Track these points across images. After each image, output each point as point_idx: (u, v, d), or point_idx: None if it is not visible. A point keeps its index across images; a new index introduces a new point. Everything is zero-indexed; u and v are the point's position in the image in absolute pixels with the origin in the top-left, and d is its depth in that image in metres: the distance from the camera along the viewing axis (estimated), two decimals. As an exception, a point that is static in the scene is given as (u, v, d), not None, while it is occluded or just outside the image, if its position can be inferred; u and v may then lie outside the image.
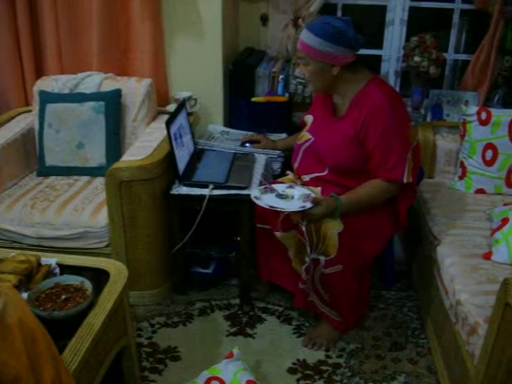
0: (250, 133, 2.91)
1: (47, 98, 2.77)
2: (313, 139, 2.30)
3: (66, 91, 2.82)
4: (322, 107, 2.34)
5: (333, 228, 2.11)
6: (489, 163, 2.63)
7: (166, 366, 2.26)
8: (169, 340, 2.40)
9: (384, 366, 2.29)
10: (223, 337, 2.42)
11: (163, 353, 2.33)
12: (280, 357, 2.31)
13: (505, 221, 2.20)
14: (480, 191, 2.66)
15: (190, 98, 2.92)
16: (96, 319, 1.63)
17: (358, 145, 2.17)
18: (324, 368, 2.27)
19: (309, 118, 2.39)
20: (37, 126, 2.82)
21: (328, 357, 2.33)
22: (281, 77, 3.03)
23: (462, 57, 3.44)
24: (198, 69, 2.97)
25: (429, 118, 3.16)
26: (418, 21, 3.47)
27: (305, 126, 2.40)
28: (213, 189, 2.42)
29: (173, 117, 2.51)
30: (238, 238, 2.56)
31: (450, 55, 3.41)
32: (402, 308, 2.63)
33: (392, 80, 3.42)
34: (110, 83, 2.83)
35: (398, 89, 3.39)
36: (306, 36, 2.12)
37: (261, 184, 2.42)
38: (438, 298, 2.21)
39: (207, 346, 2.38)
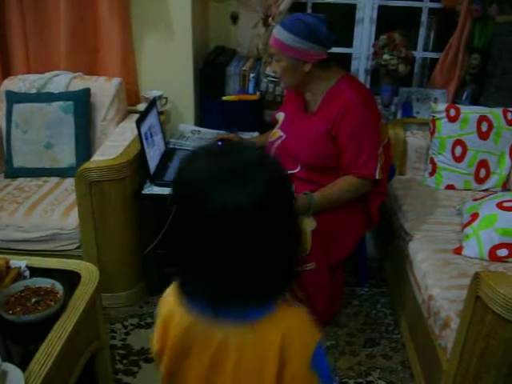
0: (221, 132, 2.89)
1: (14, 98, 2.72)
2: (284, 136, 2.30)
3: (34, 91, 2.77)
4: (294, 104, 2.34)
5: (306, 226, 2.11)
6: (458, 159, 2.67)
7: (140, 368, 2.24)
8: (143, 341, 2.38)
9: (359, 362, 2.31)
10: (197, 337, 2.41)
11: (137, 354, 2.31)
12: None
13: (474, 216, 2.23)
14: (450, 187, 2.70)
15: (160, 97, 2.90)
16: (67, 322, 1.60)
17: (329, 141, 2.17)
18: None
19: (280, 116, 2.39)
20: (4, 127, 2.77)
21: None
22: (252, 75, 3.03)
23: (431, 55, 3.47)
24: (168, 68, 2.95)
25: (399, 116, 3.18)
26: (387, 19, 3.49)
27: (276, 123, 2.40)
28: (184, 188, 2.40)
29: (143, 116, 2.49)
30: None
31: (419, 53, 3.44)
32: (375, 304, 2.65)
33: (362, 78, 3.44)
34: (78, 82, 2.79)
35: (368, 87, 3.41)
36: (278, 32, 2.12)
37: None
38: (411, 293, 2.23)
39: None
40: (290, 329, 0.98)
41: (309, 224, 2.11)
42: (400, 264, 2.42)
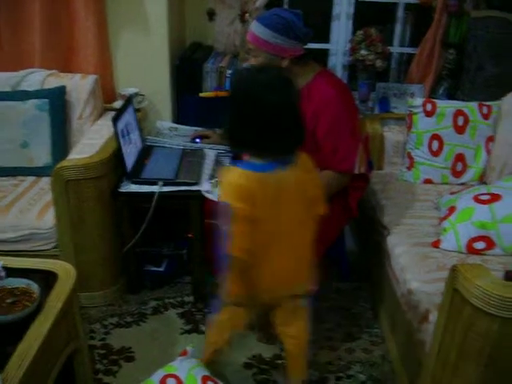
0: (199, 128, 2.88)
1: (-12, 96, 2.68)
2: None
3: (8, 89, 2.73)
4: None
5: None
6: (435, 154, 2.69)
7: (120, 367, 2.22)
8: (122, 341, 2.37)
9: (338, 356, 2.32)
10: (178, 335, 2.40)
11: (117, 354, 2.29)
12: (235, 352, 2.30)
13: (452, 209, 2.25)
14: (428, 181, 2.72)
15: (136, 95, 2.88)
16: (44, 322, 1.57)
17: (309, 137, 2.17)
18: (279, 361, 2.27)
19: None
20: (-22, 126, 2.72)
21: (283, 350, 2.33)
22: (229, 72, 3.01)
23: (408, 50, 3.50)
24: (144, 65, 2.92)
25: (376, 111, 3.20)
26: (364, 15, 3.50)
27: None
28: (162, 185, 2.39)
29: (119, 113, 2.47)
30: (190, 235, 2.53)
31: (396, 49, 3.46)
32: (355, 299, 2.67)
33: (339, 73, 3.45)
34: (53, 80, 2.76)
35: (345, 82, 3.41)
36: (255, 28, 2.11)
37: (212, 178, 2.41)
38: (390, 287, 2.24)
39: (162, 344, 2.35)
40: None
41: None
42: (379, 258, 2.43)
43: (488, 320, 1.50)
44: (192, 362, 1.93)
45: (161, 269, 2.69)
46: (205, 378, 1.88)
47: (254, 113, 1.56)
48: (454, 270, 1.59)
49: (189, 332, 2.42)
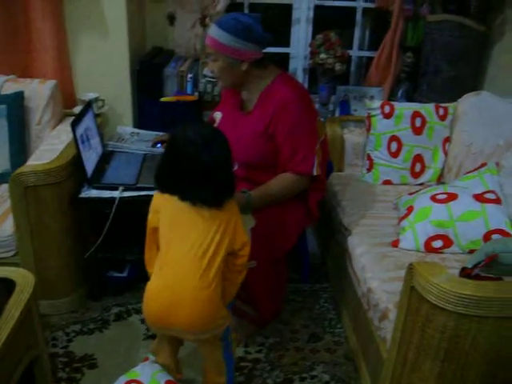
0: (160, 133, 2.87)
1: None
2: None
3: (-36, 95, 2.68)
4: (231, 103, 2.35)
5: (245, 224, 2.12)
6: (394, 155, 2.73)
7: (83, 375, 2.20)
8: (85, 348, 2.34)
9: (303, 357, 2.33)
10: (141, 340, 2.38)
11: (80, 361, 2.27)
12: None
13: (410, 209, 2.29)
14: (387, 182, 2.76)
15: (96, 99, 2.85)
16: (2, 331, 1.55)
17: (266, 140, 2.19)
18: (244, 364, 2.27)
19: (218, 115, 2.39)
20: None
21: (247, 353, 2.34)
22: (189, 76, 3.02)
23: (366, 54, 3.56)
24: (104, 69, 2.91)
25: (337, 114, 3.24)
26: (323, 19, 3.55)
27: (214, 122, 2.40)
28: (123, 190, 2.38)
29: (78, 118, 2.44)
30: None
31: (355, 52, 3.52)
32: (318, 300, 2.69)
33: (300, 77, 3.49)
34: (11, 85, 2.71)
35: (306, 86, 3.45)
36: (214, 31, 2.12)
37: None
38: (352, 287, 2.27)
39: (125, 350, 2.33)
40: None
41: (248, 222, 2.12)
42: (340, 259, 2.46)
43: (444, 316, 1.54)
44: (155, 367, 1.93)
45: (123, 274, 2.67)
46: (168, 383, 1.88)
47: (180, 167, 1.67)
48: (410, 268, 1.63)
49: (152, 337, 2.40)
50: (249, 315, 2.36)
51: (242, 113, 2.30)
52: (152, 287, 1.76)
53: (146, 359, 1.98)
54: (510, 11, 2.88)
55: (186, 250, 1.69)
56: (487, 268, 1.72)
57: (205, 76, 3.06)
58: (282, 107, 2.14)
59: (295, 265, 2.77)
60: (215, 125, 2.37)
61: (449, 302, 1.51)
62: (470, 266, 1.75)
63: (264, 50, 2.20)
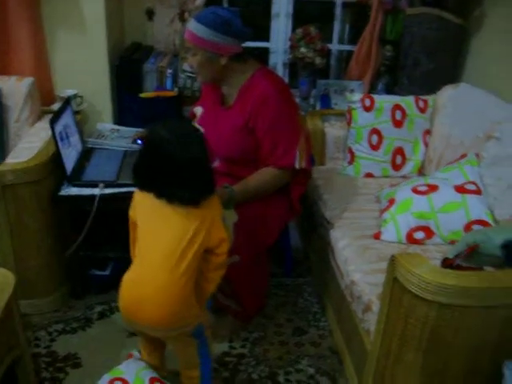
0: (140, 129, 2.85)
1: None
2: (203, 131, 2.29)
3: None
4: (211, 98, 2.34)
5: (228, 219, 2.11)
6: (375, 148, 2.74)
7: (66, 375, 2.18)
8: (68, 347, 2.32)
9: (288, 351, 2.33)
10: (125, 338, 2.36)
11: (63, 361, 2.25)
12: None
13: (391, 201, 2.30)
14: (368, 175, 2.77)
15: (75, 96, 2.82)
16: (-18, 331, 1.54)
17: (247, 134, 2.18)
18: (229, 359, 2.27)
19: (198, 110, 2.38)
20: None
21: (232, 348, 2.34)
22: (169, 71, 3.00)
23: (346, 47, 3.56)
24: (83, 66, 2.87)
25: (317, 107, 3.24)
26: (303, 13, 3.55)
27: (194, 118, 2.39)
28: (103, 187, 2.36)
29: (57, 116, 2.41)
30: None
31: (335, 46, 3.52)
32: (302, 294, 2.69)
33: (280, 71, 3.48)
34: (-12, 84, 2.68)
35: (286, 80, 3.45)
36: (193, 26, 2.10)
37: None
38: (335, 280, 2.28)
39: (109, 349, 2.31)
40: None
41: (231, 217, 2.12)
42: (323, 252, 2.47)
43: (426, 307, 1.55)
44: (139, 364, 1.92)
45: (106, 272, 2.65)
46: (152, 380, 1.87)
47: (155, 165, 1.65)
48: (392, 259, 1.63)
49: (136, 334, 2.39)
50: (233, 310, 2.35)
51: (222, 107, 2.29)
52: (124, 281, 1.74)
53: (130, 356, 1.97)
54: (487, 3, 2.90)
55: (157, 246, 1.68)
56: (468, 258, 1.73)
57: (184, 71, 3.04)
58: (261, 101, 2.13)
59: (278, 259, 2.77)
60: (196, 120, 2.36)
61: (430, 293, 1.52)
62: (451, 257, 1.76)
63: (244, 45, 2.19)
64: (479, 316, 1.56)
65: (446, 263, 1.75)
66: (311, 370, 2.24)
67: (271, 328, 2.45)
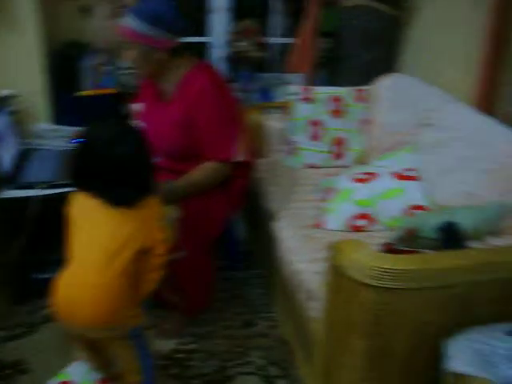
0: (79, 128, 2.80)
1: None
2: (143, 127, 2.27)
3: None
4: (150, 94, 2.32)
5: (170, 214, 2.10)
6: (315, 139, 2.78)
7: (15, 382, 2.12)
8: (15, 354, 2.26)
9: (237, 344, 2.35)
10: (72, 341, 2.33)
11: (10, 368, 2.19)
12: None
13: (333, 191, 2.34)
14: (310, 166, 2.80)
15: (10, 96, 2.75)
16: None
17: (187, 129, 2.18)
18: (179, 356, 2.27)
19: (138, 106, 2.36)
20: None
21: (182, 344, 2.33)
22: (107, 68, 2.95)
23: (285, 40, 3.58)
24: (17, 65, 2.79)
25: (258, 101, 3.25)
26: (242, 7, 3.55)
27: (134, 115, 2.36)
28: (43, 188, 2.31)
29: (-10, 117, 2.35)
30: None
31: (274, 39, 3.54)
32: (250, 286, 2.71)
33: (220, 66, 3.47)
34: None
35: (226, 74, 3.44)
36: (128, 20, 2.08)
37: None
38: (281, 271, 2.30)
39: (56, 352, 2.27)
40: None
41: (173, 212, 2.11)
42: (269, 244, 2.49)
43: (367, 291, 1.58)
44: (86, 367, 1.90)
45: (49, 275, 2.59)
46: (100, 382, 1.86)
47: (89, 165, 1.63)
48: (332, 247, 1.66)
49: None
50: (180, 306, 2.34)
51: (161, 103, 2.27)
52: (58, 283, 1.71)
53: (78, 359, 1.95)
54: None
55: (91, 246, 1.65)
56: (407, 242, 1.78)
57: (123, 68, 3.00)
58: (199, 96, 2.13)
59: (226, 252, 2.78)
60: (136, 117, 2.34)
61: (370, 277, 1.54)
62: (391, 242, 1.81)
63: (183, 40, 2.18)
64: (419, 298, 1.61)
65: (387, 248, 1.79)
66: (262, 362, 2.26)
67: (220, 322, 2.46)
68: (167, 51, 2.13)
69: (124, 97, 3.00)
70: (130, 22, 2.08)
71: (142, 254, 1.69)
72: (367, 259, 1.55)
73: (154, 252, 1.72)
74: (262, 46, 3.23)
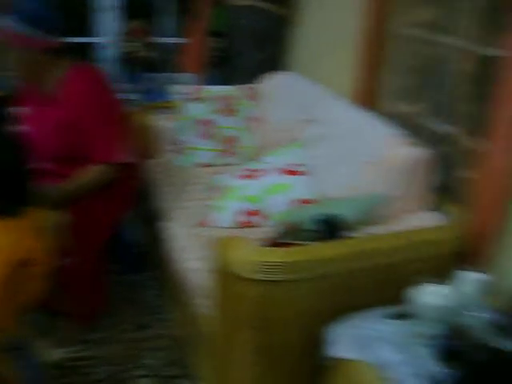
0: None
1: None
2: (27, 131, 2.20)
3: None
4: (32, 96, 2.24)
5: (54, 220, 2.04)
6: (206, 137, 2.79)
7: None
8: None
9: (133, 347, 2.32)
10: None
11: None
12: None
13: (222, 188, 2.36)
14: (201, 165, 2.81)
15: None
16: None
17: (70, 131, 2.12)
18: (72, 364, 2.21)
19: (21, 110, 2.28)
20: None
21: (75, 351, 2.28)
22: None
23: (177, 40, 3.58)
24: None
25: (148, 101, 3.22)
26: (133, 7, 3.52)
27: (17, 118, 2.28)
28: None
29: None
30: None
31: (165, 39, 3.53)
32: (144, 289, 2.69)
33: (109, 66, 3.42)
34: None
35: (114, 75, 3.39)
36: (4, 21, 2.00)
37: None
38: (173, 271, 2.29)
39: None
40: None
41: (59, 217, 2.05)
42: (162, 245, 2.47)
43: (251, 286, 1.61)
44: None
45: None
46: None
47: None
48: (216, 244, 1.68)
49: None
50: (73, 313, 2.29)
51: (43, 106, 2.20)
52: None
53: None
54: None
55: None
56: (290, 235, 1.83)
57: (3, 70, 2.88)
58: (80, 98, 2.09)
59: (119, 256, 2.73)
60: (19, 120, 2.25)
61: (252, 271, 1.58)
62: (274, 236, 1.85)
63: (68, 40, 2.13)
64: (301, 289, 1.66)
65: (270, 242, 1.83)
66: (158, 363, 2.25)
67: (115, 326, 2.42)
68: (47, 52, 2.07)
69: (7, 100, 2.88)
70: (7, 23, 2.00)
71: (22, 265, 1.61)
72: (249, 254, 1.59)
73: (34, 262, 1.65)
74: (152, 46, 3.21)
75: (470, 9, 2.02)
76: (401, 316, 1.60)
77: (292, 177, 2.32)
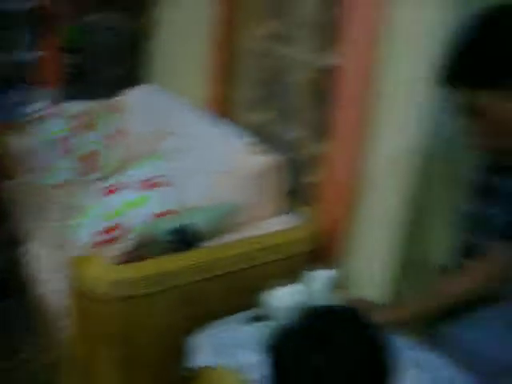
0: None
1: None
2: None
3: None
4: None
5: None
6: (64, 155, 2.74)
7: None
8: None
9: (2, 375, 2.24)
10: None
11: None
12: None
13: (82, 207, 2.33)
14: (60, 186, 2.72)
15: None
16: None
17: None
18: None
19: None
20: None
21: None
22: None
23: (31, 56, 3.46)
24: None
25: (3, 119, 3.09)
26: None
27: None
28: None
29: None
30: None
31: (18, 55, 3.40)
32: (11, 314, 2.59)
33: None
34: None
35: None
36: None
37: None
38: (36, 294, 2.24)
39: None
40: None
41: None
42: (24, 269, 2.40)
43: (106, 304, 1.63)
44: None
45: None
46: None
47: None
48: (70, 264, 1.67)
49: None
50: None
51: None
52: None
53: None
54: (163, 7, 3.08)
55: None
56: (145, 248, 1.85)
57: None
58: None
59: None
60: None
61: (105, 289, 1.60)
62: (129, 250, 1.86)
63: None
64: (156, 302, 1.69)
65: (126, 257, 1.84)
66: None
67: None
68: None
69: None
70: None
71: None
72: (100, 272, 1.60)
73: None
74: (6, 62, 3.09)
75: (308, 22, 2.15)
76: (257, 319, 1.67)
77: (152, 189, 2.33)
